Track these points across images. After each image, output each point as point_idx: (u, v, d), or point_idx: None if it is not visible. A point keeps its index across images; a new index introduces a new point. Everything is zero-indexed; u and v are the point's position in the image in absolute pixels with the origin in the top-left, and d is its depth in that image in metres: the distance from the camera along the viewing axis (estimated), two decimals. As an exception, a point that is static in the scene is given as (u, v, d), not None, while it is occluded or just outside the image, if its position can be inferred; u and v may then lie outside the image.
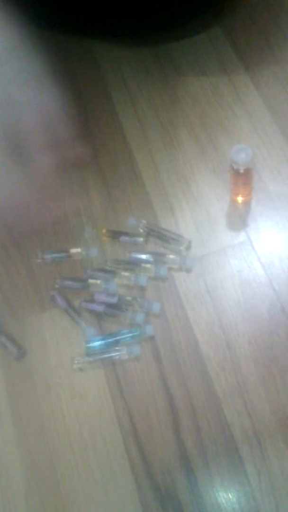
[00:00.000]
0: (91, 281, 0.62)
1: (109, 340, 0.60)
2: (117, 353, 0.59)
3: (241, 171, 0.59)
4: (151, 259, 0.63)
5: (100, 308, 0.61)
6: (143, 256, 0.63)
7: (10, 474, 0.56)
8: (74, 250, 0.64)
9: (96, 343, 0.60)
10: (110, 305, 0.61)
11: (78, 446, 0.56)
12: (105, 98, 0.75)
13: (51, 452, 0.56)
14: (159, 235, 0.64)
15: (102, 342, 0.60)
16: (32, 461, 0.56)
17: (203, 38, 0.78)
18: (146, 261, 0.63)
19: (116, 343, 0.59)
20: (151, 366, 0.58)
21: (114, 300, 0.61)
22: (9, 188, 0.60)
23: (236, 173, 0.59)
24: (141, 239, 0.64)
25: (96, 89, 0.76)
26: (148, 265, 0.62)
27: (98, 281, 0.62)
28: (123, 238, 0.64)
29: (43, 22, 0.79)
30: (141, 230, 0.65)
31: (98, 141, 0.72)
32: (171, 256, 0.63)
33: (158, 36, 0.77)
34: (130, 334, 0.59)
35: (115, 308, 0.61)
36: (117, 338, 0.60)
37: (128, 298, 0.61)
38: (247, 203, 0.65)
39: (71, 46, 0.80)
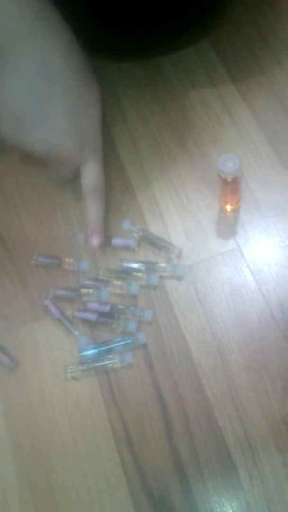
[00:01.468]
0: (83, 290, 0.63)
1: (102, 348, 0.60)
2: (110, 361, 0.60)
3: (229, 180, 0.60)
4: (143, 268, 0.64)
5: (93, 317, 0.62)
6: (135, 265, 0.64)
7: (4, 483, 0.56)
8: (67, 260, 0.65)
9: (89, 352, 0.60)
10: (102, 314, 0.62)
11: (72, 454, 0.56)
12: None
13: (45, 460, 0.56)
14: (152, 242, 0.65)
15: (95, 350, 0.60)
16: (26, 469, 0.56)
17: (190, 50, 0.79)
18: (138, 270, 0.64)
19: (109, 351, 0.60)
20: (144, 373, 0.59)
21: (106, 308, 0.62)
22: None
23: (224, 182, 0.60)
24: (133, 242, 0.65)
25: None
26: (140, 274, 0.63)
27: (91, 291, 0.63)
28: (116, 241, 0.65)
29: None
30: (136, 234, 0.66)
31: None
32: (162, 265, 0.64)
33: (147, 51, 0.79)
34: (123, 342, 0.60)
35: (108, 317, 0.62)
36: (110, 346, 0.60)
37: (121, 306, 0.62)
38: (236, 211, 0.67)
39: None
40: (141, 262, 0.64)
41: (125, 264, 0.64)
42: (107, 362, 0.60)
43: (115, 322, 0.61)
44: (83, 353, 0.60)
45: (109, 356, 0.60)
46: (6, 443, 0.58)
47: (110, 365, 0.59)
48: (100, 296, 0.62)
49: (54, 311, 0.63)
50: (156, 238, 0.65)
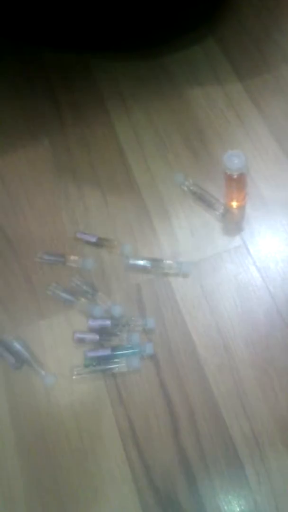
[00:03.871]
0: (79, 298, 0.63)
1: (108, 355, 0.59)
2: (116, 365, 0.58)
3: (235, 176, 0.59)
4: (149, 265, 0.64)
5: (95, 338, 0.60)
6: (141, 262, 0.64)
7: (11, 481, 0.56)
8: (72, 257, 0.65)
9: (96, 356, 0.59)
10: (104, 330, 0.60)
11: (78, 452, 0.56)
12: (101, 108, 0.76)
13: (51, 458, 0.56)
14: (200, 197, 0.66)
15: (102, 355, 0.59)
16: (33, 467, 0.56)
17: (196, 48, 0.79)
18: (144, 267, 0.64)
19: (115, 357, 0.59)
20: (150, 371, 0.59)
21: (107, 323, 0.60)
22: None
23: (229, 178, 0.60)
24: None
25: (92, 99, 0.77)
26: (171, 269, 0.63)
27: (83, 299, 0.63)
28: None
29: (40, 39, 0.81)
30: (185, 188, 0.67)
31: (94, 150, 0.73)
32: (168, 262, 0.63)
33: (153, 50, 0.79)
34: (130, 351, 0.59)
35: (110, 333, 0.60)
36: (116, 353, 0.59)
37: (122, 318, 0.60)
38: (241, 208, 0.66)
39: (67, 57, 0.81)
40: (147, 259, 0.64)
41: (132, 262, 0.64)
42: (113, 366, 0.59)
43: (118, 336, 0.60)
44: (89, 356, 0.59)
45: (116, 360, 0.59)
46: (13, 441, 0.57)
47: (117, 369, 0.59)
48: (93, 312, 0.61)
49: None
50: (205, 193, 0.66)
